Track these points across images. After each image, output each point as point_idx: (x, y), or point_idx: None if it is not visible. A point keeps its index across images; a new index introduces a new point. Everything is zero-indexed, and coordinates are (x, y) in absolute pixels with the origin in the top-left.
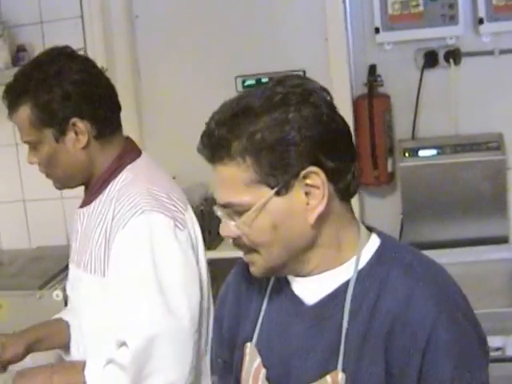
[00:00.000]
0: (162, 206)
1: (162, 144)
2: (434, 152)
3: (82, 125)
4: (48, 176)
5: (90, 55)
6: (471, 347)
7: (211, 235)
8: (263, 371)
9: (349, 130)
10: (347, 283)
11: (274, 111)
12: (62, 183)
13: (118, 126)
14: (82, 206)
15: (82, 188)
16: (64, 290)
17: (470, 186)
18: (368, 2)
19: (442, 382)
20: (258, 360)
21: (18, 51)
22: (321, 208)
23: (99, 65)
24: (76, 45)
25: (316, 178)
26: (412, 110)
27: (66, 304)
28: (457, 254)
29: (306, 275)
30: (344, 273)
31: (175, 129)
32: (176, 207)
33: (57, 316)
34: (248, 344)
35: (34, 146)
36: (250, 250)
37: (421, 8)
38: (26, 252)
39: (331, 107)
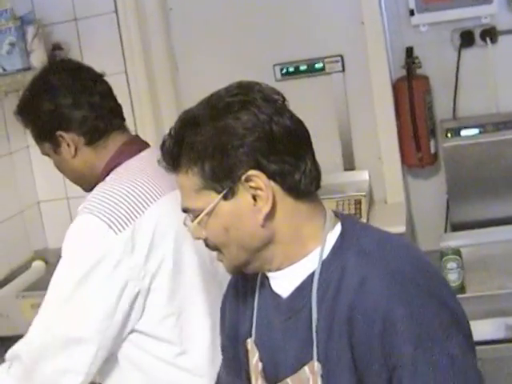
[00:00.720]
0: (105, 208)
1: None
2: (475, 131)
3: (67, 136)
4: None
5: (127, 50)
6: (431, 324)
7: None
8: (260, 365)
9: (300, 130)
10: (313, 274)
11: (216, 120)
12: (79, 186)
13: (113, 129)
14: None
15: None
16: None
17: None
18: None
19: (404, 364)
20: (257, 355)
21: (54, 50)
22: (266, 209)
23: (136, 61)
24: (112, 41)
25: (258, 180)
26: (451, 90)
27: None
28: (504, 231)
29: (276, 270)
30: (309, 264)
31: None
32: (128, 206)
33: None
34: (248, 340)
35: (50, 158)
36: (217, 249)
37: None
38: None
39: (277, 111)
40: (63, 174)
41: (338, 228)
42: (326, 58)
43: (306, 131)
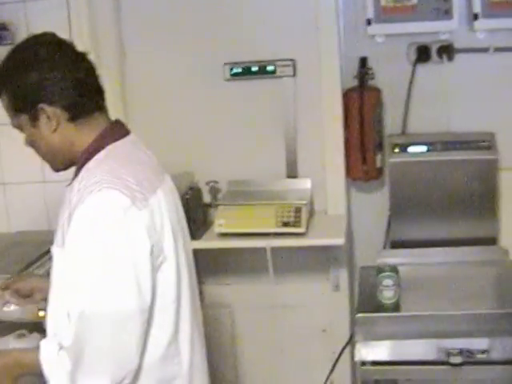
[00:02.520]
0: (121, 184)
1: (147, 131)
2: (424, 148)
3: (50, 110)
4: (42, 159)
5: (75, 34)
6: None
7: (196, 224)
8: None
9: None
10: None
11: None
12: (52, 165)
13: (96, 109)
14: (68, 185)
15: (64, 172)
16: (45, 274)
17: (460, 184)
18: None
19: None
20: None
21: (0, 30)
22: None
23: (83, 45)
24: (60, 24)
25: None
26: (403, 105)
27: None
28: (444, 253)
29: None
30: None
31: (161, 116)
32: (139, 187)
33: None
34: None
35: (21, 131)
36: None
37: (414, 1)
38: (6, 236)
39: None
40: (35, 148)
41: None
42: (277, 60)
43: None
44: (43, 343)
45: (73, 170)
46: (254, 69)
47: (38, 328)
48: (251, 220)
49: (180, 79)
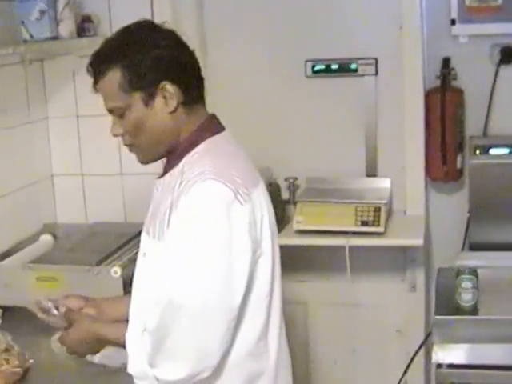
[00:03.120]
0: (226, 177)
1: (227, 127)
2: (505, 151)
3: (171, 88)
4: (132, 148)
5: None
6: None
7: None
8: None
9: None
10: None
11: None
12: (147, 153)
13: (202, 97)
14: (159, 177)
15: (142, 166)
16: (122, 267)
17: None
18: None
19: None
20: None
21: (84, 22)
22: None
23: None
24: (143, 18)
25: None
26: (485, 107)
27: (123, 281)
28: None
29: None
30: None
31: (241, 112)
32: (243, 181)
33: None
34: None
35: (119, 114)
36: None
37: (499, 1)
38: (83, 227)
39: None
40: (136, 134)
41: None
42: (359, 59)
43: None
44: (131, 324)
45: (155, 164)
46: (336, 66)
47: None
48: (330, 218)
49: (261, 75)
